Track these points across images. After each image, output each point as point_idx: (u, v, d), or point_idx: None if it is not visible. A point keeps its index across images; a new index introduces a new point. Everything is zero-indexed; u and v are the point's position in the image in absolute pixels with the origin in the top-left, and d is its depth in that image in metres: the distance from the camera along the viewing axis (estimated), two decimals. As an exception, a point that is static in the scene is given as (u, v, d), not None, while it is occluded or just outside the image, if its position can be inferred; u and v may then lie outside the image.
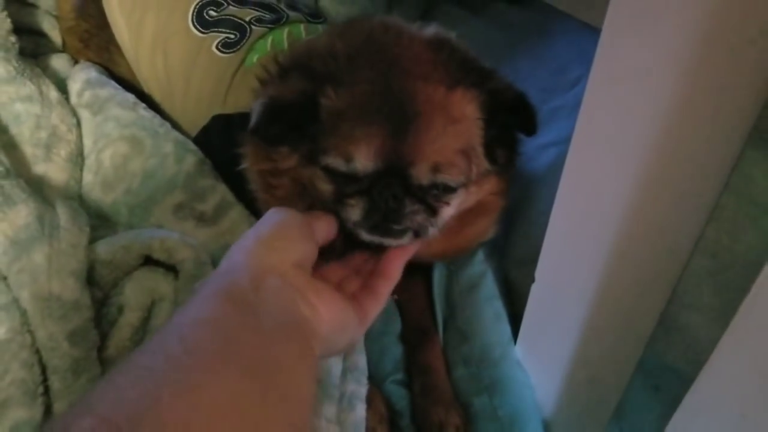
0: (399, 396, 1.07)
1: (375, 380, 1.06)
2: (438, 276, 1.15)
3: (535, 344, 1.03)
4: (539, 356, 1.03)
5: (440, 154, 0.86)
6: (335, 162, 0.86)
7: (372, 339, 1.10)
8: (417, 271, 1.16)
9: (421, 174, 0.85)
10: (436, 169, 0.85)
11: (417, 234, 0.89)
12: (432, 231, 0.91)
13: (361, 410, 0.99)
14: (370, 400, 1.02)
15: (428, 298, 1.16)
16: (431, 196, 0.88)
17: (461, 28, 1.49)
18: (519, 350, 1.06)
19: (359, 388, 1.00)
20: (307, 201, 0.95)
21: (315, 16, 1.24)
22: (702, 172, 0.67)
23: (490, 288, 1.11)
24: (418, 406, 1.06)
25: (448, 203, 0.90)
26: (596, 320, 0.87)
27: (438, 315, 1.14)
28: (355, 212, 0.87)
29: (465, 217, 0.98)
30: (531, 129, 0.94)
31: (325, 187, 0.90)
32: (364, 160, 0.85)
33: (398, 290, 1.15)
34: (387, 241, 0.90)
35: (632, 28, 0.63)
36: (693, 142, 0.65)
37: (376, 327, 1.11)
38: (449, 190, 0.89)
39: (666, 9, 0.59)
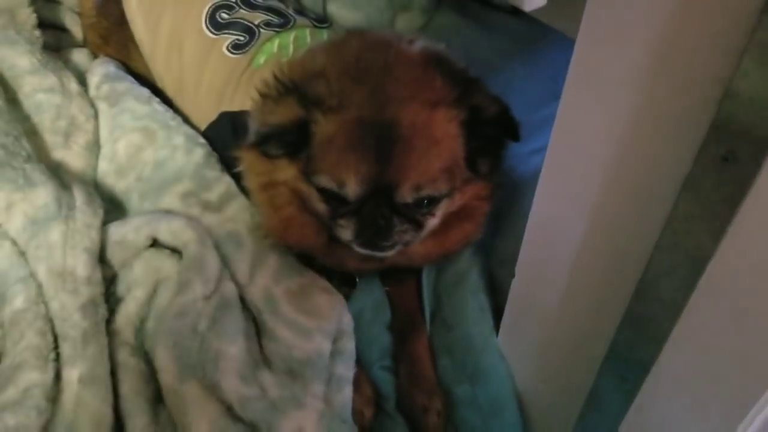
0: (385, 381, 1.12)
1: (363, 366, 1.12)
2: (427, 270, 1.20)
3: (515, 336, 1.08)
4: (519, 347, 1.08)
5: (422, 175, 0.92)
6: (328, 185, 0.93)
7: (362, 327, 1.14)
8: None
9: (405, 194, 0.92)
10: (418, 188, 0.92)
11: (405, 245, 0.97)
12: (418, 239, 0.98)
13: (348, 392, 1.04)
14: (357, 384, 1.08)
15: (418, 290, 1.21)
16: (418, 213, 0.95)
17: (461, 35, 1.56)
18: (500, 341, 1.11)
19: (347, 371, 1.05)
20: (307, 213, 1.02)
21: (321, 21, 1.30)
22: (660, 175, 0.72)
23: (474, 283, 1.16)
24: (404, 391, 1.12)
25: (433, 215, 0.97)
26: (567, 313, 0.93)
27: (426, 307, 1.19)
28: (346, 233, 0.95)
29: (450, 221, 1.03)
30: (514, 139, 0.99)
31: (320, 206, 0.97)
32: (353, 186, 0.91)
33: (390, 283, 1.22)
34: (378, 254, 0.98)
35: (601, 42, 0.69)
36: (651, 147, 0.71)
37: (366, 316, 1.17)
38: (434, 201, 0.95)
39: (630, 27, 0.65)
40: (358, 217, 0.93)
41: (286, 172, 0.99)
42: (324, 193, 0.95)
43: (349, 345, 1.08)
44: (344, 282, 1.15)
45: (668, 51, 0.63)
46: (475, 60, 1.46)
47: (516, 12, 1.65)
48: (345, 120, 0.91)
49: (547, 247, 0.92)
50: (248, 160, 1.05)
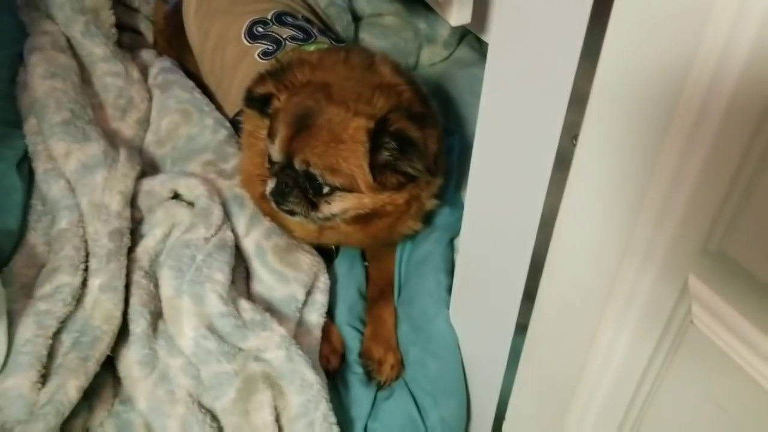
0: (352, 337, 1.30)
1: (336, 322, 1.31)
2: (400, 251, 1.40)
3: (461, 308, 1.24)
4: (463, 317, 1.24)
5: (314, 156, 1.10)
6: (269, 146, 1.15)
7: (340, 291, 1.34)
8: (389, 246, 1.42)
9: (297, 165, 1.12)
10: (306, 163, 1.11)
11: (306, 216, 1.17)
12: (315, 216, 1.17)
13: (315, 336, 1.23)
14: (328, 335, 1.27)
15: (393, 266, 1.40)
16: (311, 194, 1.14)
17: (475, 68, 1.74)
18: (451, 313, 1.27)
19: (317, 319, 1.25)
20: (265, 168, 1.22)
21: (339, 41, 1.52)
22: (538, 161, 0.88)
23: (436, 263, 1.33)
24: (366, 346, 1.30)
25: (328, 202, 1.15)
26: (492, 289, 1.09)
27: (396, 281, 1.39)
28: (268, 188, 1.17)
29: (369, 216, 1.20)
30: (413, 167, 1.11)
31: (267, 164, 1.19)
32: (276, 150, 1.13)
33: (371, 260, 1.41)
34: (282, 213, 1.20)
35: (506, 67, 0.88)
36: (537, 140, 0.88)
37: (344, 282, 1.36)
38: (318, 185, 1.12)
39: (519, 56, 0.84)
40: (276, 179, 1.15)
41: (266, 130, 1.20)
42: (268, 153, 1.17)
43: (322, 298, 1.26)
44: (323, 256, 1.35)
45: (538, 67, 0.82)
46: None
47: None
48: (290, 101, 1.14)
49: (477, 233, 1.10)
50: (248, 113, 1.29)
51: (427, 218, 1.36)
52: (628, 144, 0.71)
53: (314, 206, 1.15)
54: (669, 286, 0.72)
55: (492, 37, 0.91)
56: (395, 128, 1.10)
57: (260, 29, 1.45)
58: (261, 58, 1.41)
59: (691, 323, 0.70)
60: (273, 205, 1.18)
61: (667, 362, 0.77)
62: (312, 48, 1.40)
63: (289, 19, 1.48)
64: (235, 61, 1.45)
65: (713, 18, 0.56)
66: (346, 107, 1.11)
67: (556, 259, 0.88)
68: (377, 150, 1.11)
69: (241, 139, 1.37)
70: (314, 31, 1.47)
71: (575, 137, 0.81)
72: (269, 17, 1.48)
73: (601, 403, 0.90)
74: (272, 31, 1.45)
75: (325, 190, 1.13)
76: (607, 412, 0.89)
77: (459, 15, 1.05)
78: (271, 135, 1.15)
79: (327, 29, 1.61)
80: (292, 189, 1.14)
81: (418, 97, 1.21)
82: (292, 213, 1.18)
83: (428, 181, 1.22)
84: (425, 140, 1.11)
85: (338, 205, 1.16)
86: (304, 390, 1.08)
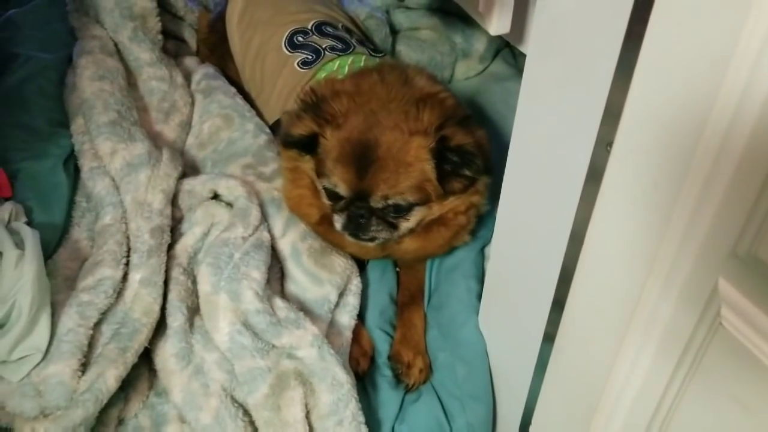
0: (382, 341, 1.32)
1: (366, 325, 1.33)
2: (431, 260, 1.42)
3: (490, 315, 1.26)
4: (492, 324, 1.26)
5: (391, 188, 1.13)
6: (328, 185, 1.17)
7: (371, 295, 1.36)
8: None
9: (376, 202, 1.14)
10: (386, 197, 1.13)
11: (384, 239, 1.20)
12: (396, 236, 1.20)
13: (346, 338, 1.25)
14: (358, 338, 1.29)
15: (424, 272, 1.42)
16: (390, 216, 1.16)
17: (509, 82, 1.77)
18: (480, 320, 1.29)
19: (349, 321, 1.27)
20: (315, 197, 1.26)
21: (377, 51, 1.55)
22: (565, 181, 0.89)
23: (467, 270, 1.35)
24: (395, 349, 1.31)
25: (407, 219, 1.18)
26: (521, 300, 1.11)
27: (426, 286, 1.40)
28: (338, 223, 1.19)
29: (431, 227, 1.24)
30: (475, 171, 1.17)
31: (325, 200, 1.22)
32: (342, 191, 1.15)
33: (402, 265, 1.44)
34: (362, 243, 1.22)
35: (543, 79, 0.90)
36: (568, 150, 0.90)
37: (376, 287, 1.38)
38: (401, 209, 1.16)
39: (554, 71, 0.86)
40: (346, 213, 1.17)
41: (307, 164, 1.23)
42: (326, 190, 1.19)
43: (354, 301, 1.29)
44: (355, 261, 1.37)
45: (574, 78, 0.84)
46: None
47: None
48: (341, 137, 1.15)
49: (508, 241, 1.11)
50: (282, 152, 1.31)
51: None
52: (661, 154, 0.72)
53: (395, 227, 1.19)
54: (698, 290, 0.73)
55: (530, 47, 0.93)
56: (455, 144, 1.13)
57: (300, 39, 1.49)
58: (300, 68, 1.45)
59: (720, 326, 0.72)
60: (349, 238, 1.21)
61: (695, 366, 0.78)
62: (349, 60, 1.43)
63: (329, 30, 1.51)
64: (276, 70, 1.49)
65: (743, 37, 0.58)
66: (399, 131, 1.13)
67: (588, 265, 0.90)
68: (441, 163, 1.15)
69: (281, 165, 1.38)
70: (353, 41, 1.50)
71: (610, 144, 0.83)
72: (309, 27, 1.52)
73: (627, 409, 0.90)
74: (312, 41, 1.48)
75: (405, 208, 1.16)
76: (633, 418, 0.89)
77: (498, 25, 1.08)
78: (322, 173, 1.17)
79: (366, 39, 1.65)
80: (369, 218, 1.16)
81: (457, 100, 1.25)
82: (372, 240, 1.21)
83: (486, 183, 1.26)
84: (480, 143, 1.16)
85: (415, 218, 1.19)
86: (335, 388, 1.10)
